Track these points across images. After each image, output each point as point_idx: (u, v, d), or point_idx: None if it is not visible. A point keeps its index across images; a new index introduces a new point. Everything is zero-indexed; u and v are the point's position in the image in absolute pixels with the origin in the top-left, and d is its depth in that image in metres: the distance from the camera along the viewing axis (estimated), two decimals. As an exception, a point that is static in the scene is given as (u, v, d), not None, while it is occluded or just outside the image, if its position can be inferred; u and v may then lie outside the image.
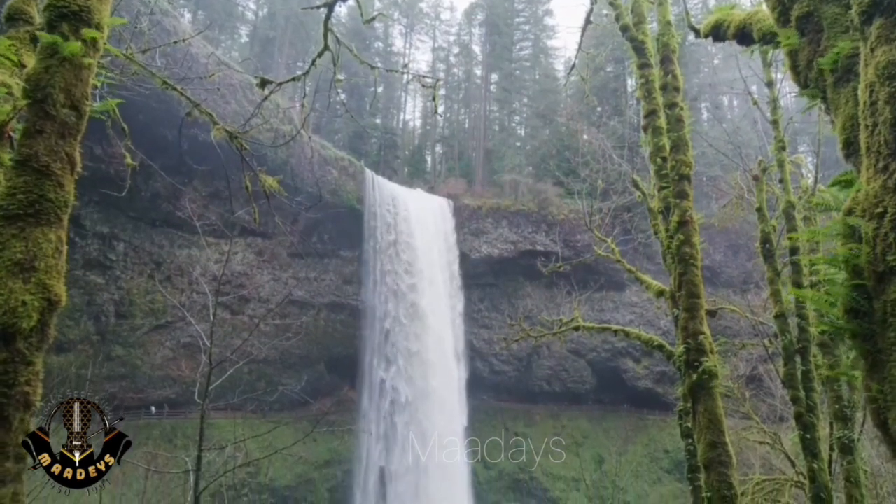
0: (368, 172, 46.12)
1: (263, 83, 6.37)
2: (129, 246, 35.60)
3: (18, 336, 2.93)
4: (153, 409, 36.43)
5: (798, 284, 10.44)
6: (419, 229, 45.73)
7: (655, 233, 10.79)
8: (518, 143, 67.02)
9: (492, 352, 53.33)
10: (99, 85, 4.48)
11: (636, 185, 12.27)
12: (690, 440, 9.39)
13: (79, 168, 3.46)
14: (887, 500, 14.68)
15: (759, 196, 11.67)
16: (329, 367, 46.91)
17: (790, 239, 10.72)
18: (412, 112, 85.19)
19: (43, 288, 3.09)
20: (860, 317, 2.90)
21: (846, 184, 3.51)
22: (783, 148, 11.39)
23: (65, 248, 3.32)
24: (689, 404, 6.75)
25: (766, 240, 11.06)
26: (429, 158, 74.79)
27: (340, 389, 46.89)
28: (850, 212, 3.04)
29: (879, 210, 2.68)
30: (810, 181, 12.88)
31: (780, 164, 11.36)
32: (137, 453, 27.92)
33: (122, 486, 25.86)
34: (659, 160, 8.20)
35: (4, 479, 2.86)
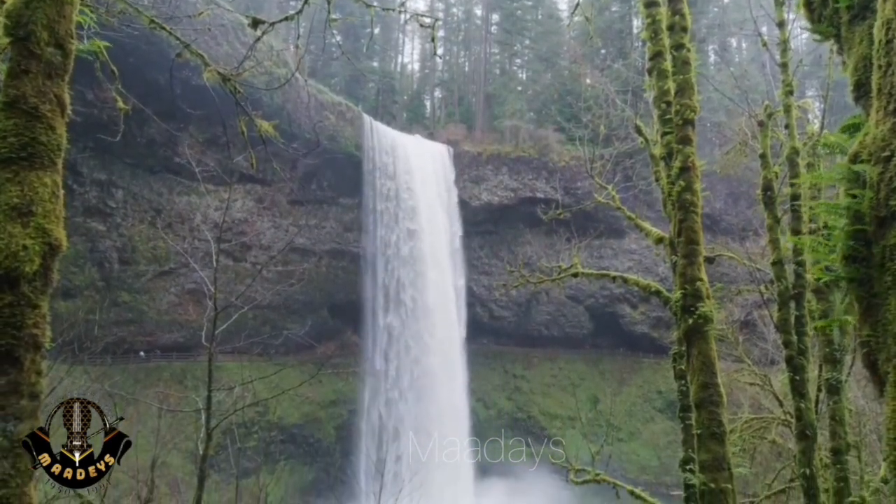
0: (366, 118, 45.21)
1: (255, 23, 6.13)
2: (128, 193, 35.39)
3: (22, 280, 2.95)
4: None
5: (797, 232, 10.45)
6: (419, 176, 45.34)
7: (657, 179, 10.69)
8: (519, 88, 65.27)
9: (491, 297, 54.12)
10: (84, 24, 4.30)
11: (639, 131, 12.04)
12: (683, 381, 9.68)
13: (69, 111, 3.36)
14: (869, 437, 15.33)
15: (764, 142, 11.46)
16: (332, 313, 47.76)
17: (792, 186, 10.63)
18: (410, 55, 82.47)
19: (43, 232, 3.09)
20: (858, 262, 2.93)
21: (854, 129, 3.44)
22: (791, 92, 11.09)
23: (61, 192, 3.28)
24: (683, 347, 6.92)
25: (767, 187, 10.96)
26: (428, 103, 73.07)
27: (343, 334, 47.95)
28: (856, 156, 3.00)
29: (886, 154, 2.64)
30: (816, 127, 12.63)
31: (787, 110, 11.09)
32: (150, 393, 28.94)
33: (137, 424, 26.90)
34: (663, 105, 8.00)
35: (21, 417, 2.98)
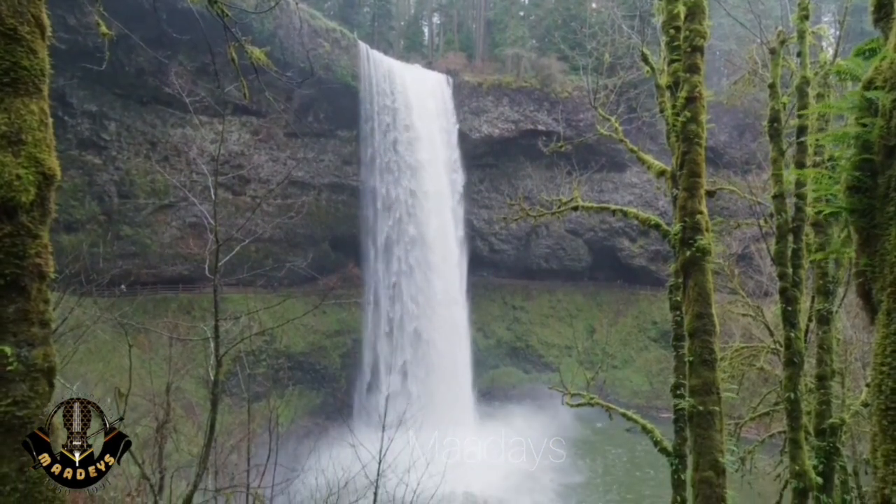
0: (362, 46, 43.37)
1: (242, -63, 5.72)
2: (121, 125, 34.60)
3: (19, 210, 2.92)
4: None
5: (801, 165, 10.31)
6: (417, 108, 44.16)
7: (661, 110, 10.41)
8: (521, 13, 62.21)
9: (491, 231, 54.34)
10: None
11: (645, 60, 11.57)
12: (678, 312, 9.90)
13: (49, 33, 3.19)
14: (853, 365, 15.91)
15: (774, 71, 11.04)
16: (333, 246, 48.13)
17: (799, 118, 10.38)
18: (408, -25, 77.82)
19: (35, 162, 3.02)
20: (861, 193, 2.91)
21: (870, 53, 3.31)
22: (806, 17, 10.57)
23: (49, 120, 3.17)
24: (680, 280, 7.01)
25: (774, 118, 10.69)
26: (426, 30, 69.92)
27: (345, 266, 48.58)
28: (870, 83, 2.89)
29: (901, 79, 2.55)
30: (830, 55, 12.15)
31: (801, 36, 10.61)
32: (159, 323, 29.70)
33: (149, 352, 27.90)
34: (672, 30, 7.66)
35: (33, 343, 3.05)
